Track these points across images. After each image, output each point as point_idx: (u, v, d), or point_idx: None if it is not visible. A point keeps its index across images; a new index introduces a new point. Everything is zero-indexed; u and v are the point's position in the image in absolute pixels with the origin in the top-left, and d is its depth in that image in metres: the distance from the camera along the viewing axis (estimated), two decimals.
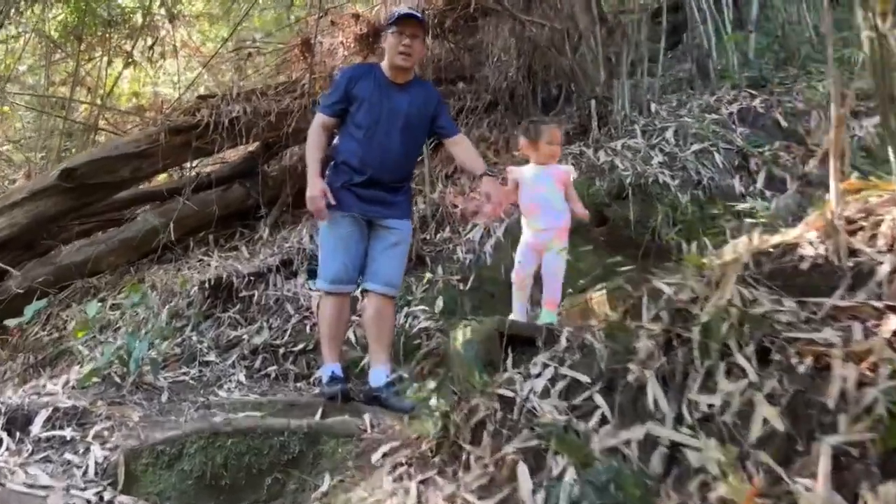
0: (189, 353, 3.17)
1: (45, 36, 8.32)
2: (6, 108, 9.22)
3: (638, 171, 3.70)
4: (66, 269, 4.74)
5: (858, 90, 4.29)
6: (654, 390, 1.88)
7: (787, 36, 5.00)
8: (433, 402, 2.18)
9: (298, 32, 6.29)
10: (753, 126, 4.11)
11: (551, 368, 2.15)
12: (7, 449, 2.17)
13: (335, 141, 3.02)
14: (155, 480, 2.06)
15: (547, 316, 2.54)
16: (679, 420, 1.77)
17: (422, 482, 1.83)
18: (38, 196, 4.63)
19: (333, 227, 2.88)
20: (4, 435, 2.24)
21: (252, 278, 3.74)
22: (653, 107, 4.52)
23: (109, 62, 8.41)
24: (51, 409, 2.45)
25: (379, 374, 2.81)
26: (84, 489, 1.97)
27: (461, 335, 2.62)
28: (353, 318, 3.27)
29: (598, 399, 1.98)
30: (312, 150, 2.90)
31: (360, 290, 3.06)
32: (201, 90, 8.09)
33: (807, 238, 2.06)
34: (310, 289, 3.69)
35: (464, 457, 1.93)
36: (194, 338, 3.32)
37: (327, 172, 2.98)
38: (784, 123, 4.08)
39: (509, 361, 2.31)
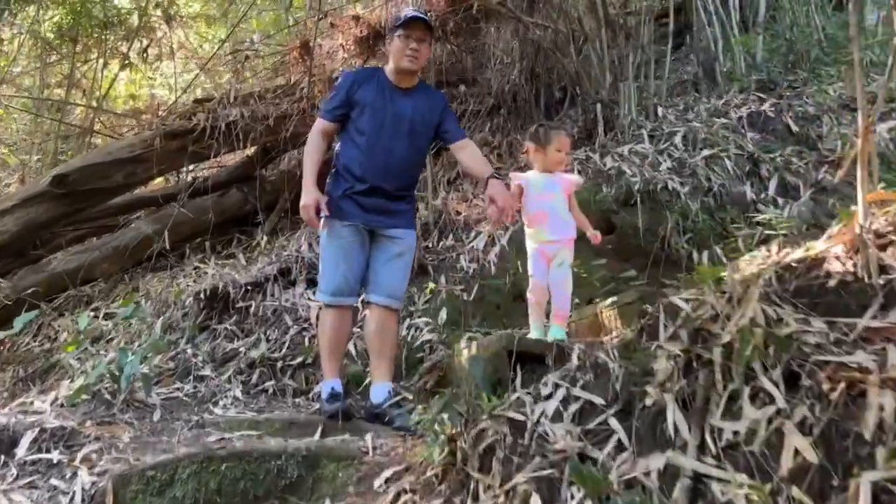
0: (183, 368, 3.06)
1: (39, 37, 8.20)
2: (0, 111, 9.10)
3: (646, 178, 3.60)
4: (58, 278, 4.63)
5: (871, 94, 4.20)
6: (674, 415, 1.78)
7: (796, 38, 4.90)
8: (439, 425, 2.08)
9: (297, 35, 6.18)
10: (763, 131, 4.01)
11: (563, 389, 2.05)
12: None
13: (336, 147, 2.91)
14: None
15: (557, 331, 2.43)
16: (702, 448, 1.67)
17: None
18: (29, 203, 4.52)
19: (334, 236, 2.77)
20: None
21: (249, 288, 3.63)
22: (660, 111, 4.43)
23: (105, 64, 8.30)
24: (37, 429, 2.34)
25: (380, 390, 2.71)
26: None
27: (466, 349, 2.52)
28: (355, 329, 3.16)
29: (614, 423, 1.88)
30: (310, 156, 2.80)
31: (361, 300, 2.95)
32: (198, 93, 7.99)
33: (833, 252, 1.95)
34: (308, 299, 3.59)
35: (472, 485, 1.83)
36: (189, 351, 3.21)
37: (328, 180, 2.87)
38: (795, 128, 3.98)
39: (518, 381, 2.21)
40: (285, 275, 3.79)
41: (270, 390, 2.99)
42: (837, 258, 1.91)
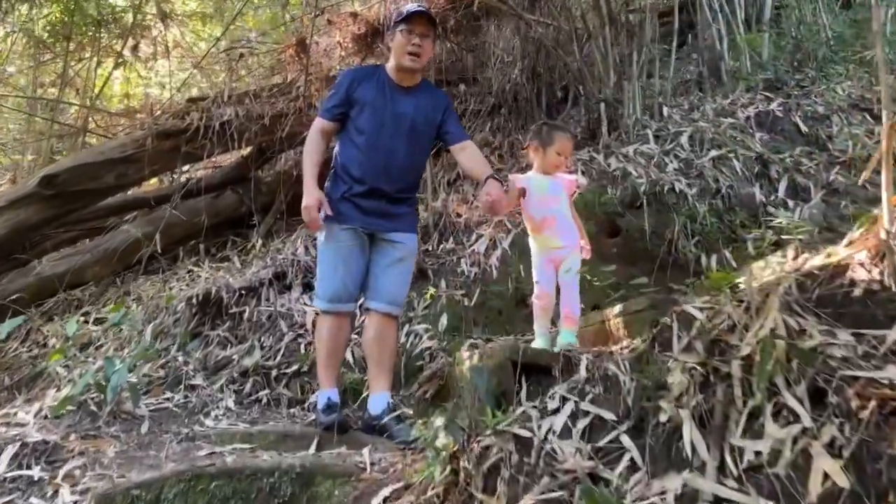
0: (174, 377, 2.94)
1: (33, 35, 8.08)
2: None
3: (652, 179, 3.50)
4: (47, 281, 4.51)
5: (880, 93, 4.10)
6: (690, 433, 1.68)
7: (803, 36, 4.81)
8: (440, 441, 1.97)
9: (294, 32, 6.07)
10: (772, 131, 3.91)
11: (571, 403, 1.94)
12: None
13: (335, 148, 2.81)
14: None
15: (567, 336, 2.32)
16: (722, 469, 1.57)
17: None
18: (17, 204, 4.40)
19: (332, 240, 2.67)
20: None
21: (243, 292, 3.52)
22: (665, 110, 4.32)
23: (99, 63, 8.18)
24: (18, 443, 2.23)
25: (379, 400, 2.61)
26: None
27: (467, 358, 2.41)
28: (353, 336, 3.05)
29: (626, 441, 1.77)
30: (309, 156, 2.69)
31: (360, 305, 2.85)
32: (194, 92, 7.87)
33: (856, 259, 1.84)
34: (304, 304, 3.48)
35: None
36: (180, 359, 3.10)
37: (326, 183, 2.77)
38: (804, 128, 3.88)
39: (523, 393, 2.10)
40: (281, 279, 3.68)
41: (264, 400, 2.88)
42: (861, 265, 1.80)
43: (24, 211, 4.41)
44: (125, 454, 2.27)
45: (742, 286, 2.10)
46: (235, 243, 5.00)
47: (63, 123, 8.05)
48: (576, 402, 1.92)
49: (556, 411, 1.92)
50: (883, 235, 1.79)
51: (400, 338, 3.05)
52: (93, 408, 2.55)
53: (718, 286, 2.31)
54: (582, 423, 1.85)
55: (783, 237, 2.75)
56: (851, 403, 1.46)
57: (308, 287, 3.63)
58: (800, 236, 2.26)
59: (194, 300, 3.41)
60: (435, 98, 2.78)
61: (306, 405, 2.87)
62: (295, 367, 3.06)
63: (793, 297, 1.79)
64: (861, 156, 3.52)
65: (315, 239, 3.72)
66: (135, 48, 7.33)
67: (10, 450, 2.19)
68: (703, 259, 3.18)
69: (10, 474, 2.11)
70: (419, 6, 2.70)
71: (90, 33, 7.76)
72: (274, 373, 3.03)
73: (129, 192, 5.54)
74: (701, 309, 1.96)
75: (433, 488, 1.86)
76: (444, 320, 3.20)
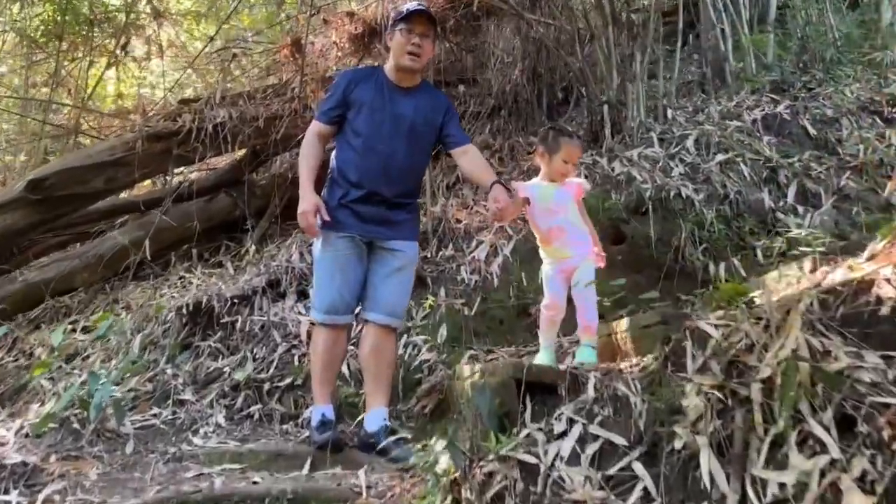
0: (162, 391, 2.82)
1: (25, 35, 7.95)
2: None
3: (658, 184, 3.39)
4: (34, 288, 4.39)
5: (890, 96, 4.01)
6: (708, 462, 1.57)
7: (809, 37, 4.71)
8: (440, 466, 1.86)
9: (289, 32, 5.95)
10: (780, 134, 3.81)
11: (579, 425, 1.84)
12: None
13: (334, 154, 2.70)
14: None
15: (587, 354, 2.22)
16: (743, 502, 1.46)
17: None
18: (3, 209, 4.26)
19: (329, 249, 2.56)
20: None
21: (235, 301, 3.40)
22: (669, 112, 4.22)
23: (91, 63, 8.05)
24: None
25: (376, 417, 2.50)
26: None
27: (468, 373, 2.31)
28: (349, 347, 2.94)
29: (639, 469, 1.67)
30: (306, 160, 2.60)
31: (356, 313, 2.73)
32: (188, 93, 7.74)
33: (882, 275, 1.74)
34: (299, 313, 3.36)
35: None
36: (169, 371, 2.98)
37: (323, 189, 2.66)
38: (813, 131, 3.78)
39: (527, 413, 1.99)
40: (274, 287, 3.56)
41: (256, 416, 2.77)
42: (888, 281, 1.70)
43: (11, 216, 4.29)
44: (108, 476, 2.15)
45: (758, 301, 1.99)
46: (229, 248, 4.88)
47: (55, 124, 7.92)
48: (584, 424, 1.81)
49: (564, 434, 1.82)
50: None
51: (398, 349, 2.94)
52: (76, 425, 2.44)
53: (729, 298, 2.20)
54: (591, 449, 1.74)
55: (795, 246, 2.65)
56: (883, 433, 1.37)
57: (303, 295, 3.52)
58: (819, 248, 2.15)
59: (185, 310, 3.29)
60: (435, 99, 2.68)
61: (300, 421, 2.76)
62: (288, 381, 2.95)
63: (815, 315, 1.68)
64: (872, 160, 3.42)
65: (310, 244, 3.61)
66: (124, 46, 7.19)
67: None
68: (712, 267, 3.08)
69: None
70: (419, 5, 2.59)
71: (83, 33, 7.62)
72: (266, 386, 2.91)
73: (121, 196, 5.42)
74: (716, 326, 1.86)
75: None
76: (443, 331, 3.09)
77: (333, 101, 2.65)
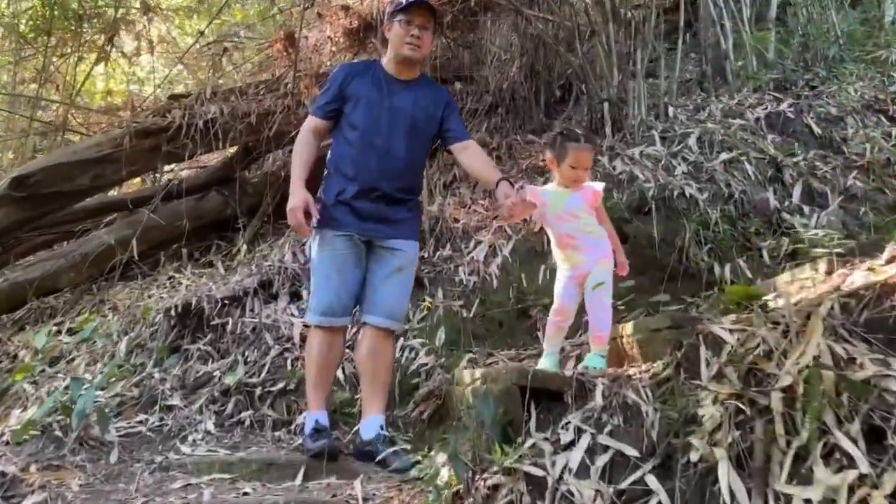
0: (149, 397, 2.72)
1: (13, 30, 7.78)
2: None
3: (661, 183, 3.32)
4: (19, 288, 4.26)
5: (895, 94, 3.95)
6: (727, 475, 1.49)
7: (811, 35, 4.65)
8: (441, 478, 1.77)
9: (282, 26, 5.84)
10: (784, 133, 3.75)
11: (587, 435, 1.75)
12: None
13: (330, 150, 2.61)
14: None
15: (595, 360, 2.13)
16: None
17: None
18: None
19: (326, 248, 2.47)
20: None
21: (226, 302, 3.29)
22: (670, 110, 4.15)
23: (80, 59, 7.89)
24: None
25: (372, 424, 2.42)
26: None
27: (469, 379, 2.21)
28: (345, 349, 2.84)
29: (653, 482, 1.58)
30: (299, 155, 2.50)
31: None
32: (179, 89, 7.61)
33: None
34: (292, 315, 3.26)
35: None
36: (156, 375, 2.87)
37: (320, 187, 2.57)
38: (817, 130, 3.72)
39: (532, 422, 1.90)
40: (266, 287, 3.45)
41: (247, 422, 2.67)
42: None
43: None
44: (91, 487, 2.05)
45: (773, 305, 1.91)
46: (220, 247, 4.76)
47: (42, 121, 7.76)
48: (592, 434, 1.73)
49: (571, 445, 1.73)
50: None
51: (395, 353, 2.85)
52: (58, 433, 2.33)
53: (737, 300, 2.12)
54: (601, 460, 1.66)
55: (807, 247, 2.58)
56: None
57: (296, 296, 3.41)
58: (836, 249, 2.07)
59: (173, 311, 3.18)
60: (435, 93, 2.59)
61: (293, 427, 2.66)
62: (281, 385, 2.85)
63: (837, 320, 1.60)
64: (879, 159, 3.36)
65: (304, 244, 3.51)
66: (111, 39, 7.05)
67: None
68: (717, 268, 3.00)
69: None
70: None
71: (72, 28, 7.47)
72: (258, 391, 2.81)
73: (109, 194, 5.29)
74: (730, 331, 1.77)
75: None
76: (441, 333, 3.00)
77: (329, 95, 2.57)
